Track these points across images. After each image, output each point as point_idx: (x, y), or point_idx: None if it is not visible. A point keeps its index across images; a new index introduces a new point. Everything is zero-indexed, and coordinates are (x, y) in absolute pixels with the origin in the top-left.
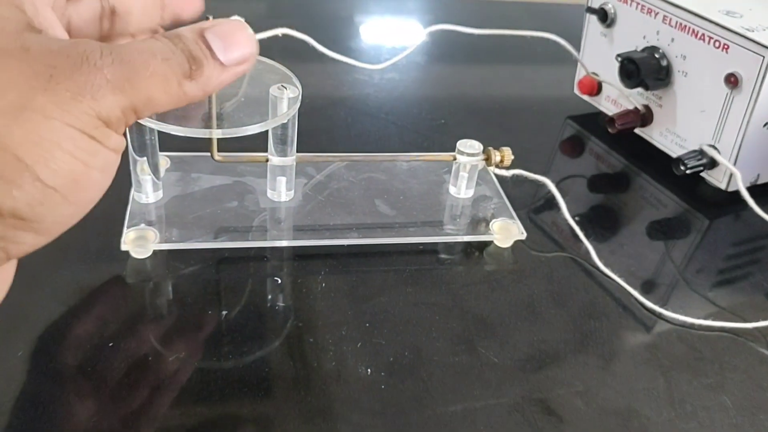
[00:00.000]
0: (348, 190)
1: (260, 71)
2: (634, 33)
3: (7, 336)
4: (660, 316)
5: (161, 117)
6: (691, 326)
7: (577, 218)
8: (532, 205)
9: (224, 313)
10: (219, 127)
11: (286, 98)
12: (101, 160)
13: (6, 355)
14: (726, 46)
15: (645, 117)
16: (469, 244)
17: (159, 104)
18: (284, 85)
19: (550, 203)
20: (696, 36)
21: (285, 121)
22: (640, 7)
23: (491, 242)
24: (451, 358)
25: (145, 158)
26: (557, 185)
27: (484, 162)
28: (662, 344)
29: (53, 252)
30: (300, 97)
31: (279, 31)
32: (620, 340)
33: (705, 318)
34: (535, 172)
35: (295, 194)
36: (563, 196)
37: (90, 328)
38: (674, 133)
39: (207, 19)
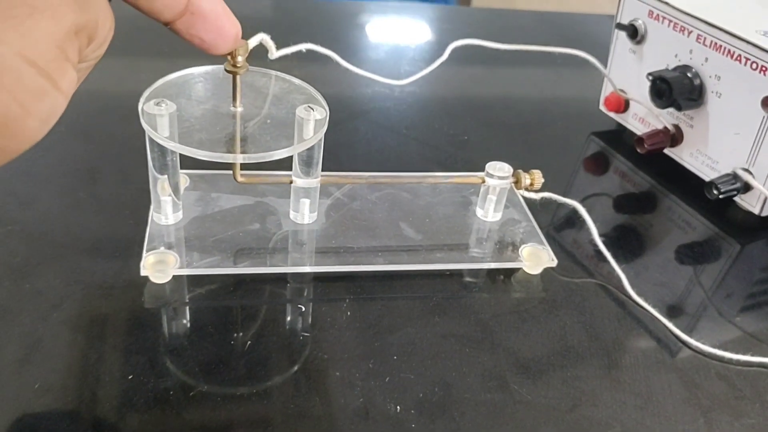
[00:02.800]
0: (371, 212)
1: (285, 91)
2: (666, 51)
3: (22, 368)
4: (697, 350)
5: (184, 140)
6: (730, 361)
7: (603, 238)
8: (559, 229)
9: (248, 343)
10: (243, 148)
11: (313, 120)
12: (47, 106)
13: (22, 389)
14: (764, 68)
15: (675, 137)
16: (496, 270)
17: (103, 28)
18: (311, 106)
19: (578, 226)
20: (732, 56)
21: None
22: (672, 24)
23: (519, 268)
24: (483, 395)
25: (165, 177)
26: (583, 203)
27: (513, 184)
28: (701, 381)
29: (69, 276)
30: (327, 118)
31: (303, 47)
32: (657, 377)
33: (744, 353)
34: (558, 191)
35: (318, 216)
36: (590, 214)
37: (108, 360)
38: (705, 154)
39: None
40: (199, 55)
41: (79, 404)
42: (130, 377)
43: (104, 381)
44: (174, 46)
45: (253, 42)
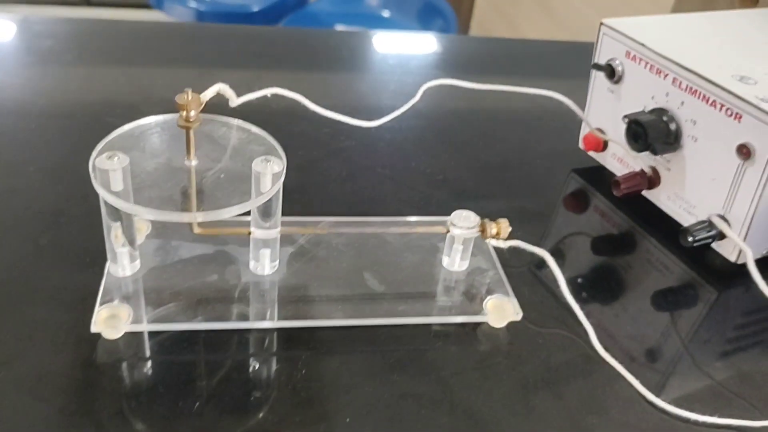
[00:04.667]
0: (336, 260)
1: (244, 141)
2: (643, 92)
3: None
4: (663, 411)
5: (136, 196)
6: (696, 423)
7: (579, 280)
8: (528, 278)
9: (197, 404)
10: (198, 202)
11: (270, 173)
12: None
13: None
14: (738, 116)
15: (652, 180)
16: (461, 323)
17: None
18: (268, 158)
19: (548, 276)
20: (707, 102)
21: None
22: (649, 66)
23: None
24: None
25: (119, 224)
26: (558, 245)
27: (479, 234)
28: None
29: (21, 331)
30: (284, 171)
31: (268, 92)
32: None
33: (711, 413)
34: (535, 232)
35: (280, 265)
36: (565, 258)
37: (52, 423)
38: (683, 198)
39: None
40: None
41: None
42: None
43: None
44: (155, 76)
45: (208, 94)
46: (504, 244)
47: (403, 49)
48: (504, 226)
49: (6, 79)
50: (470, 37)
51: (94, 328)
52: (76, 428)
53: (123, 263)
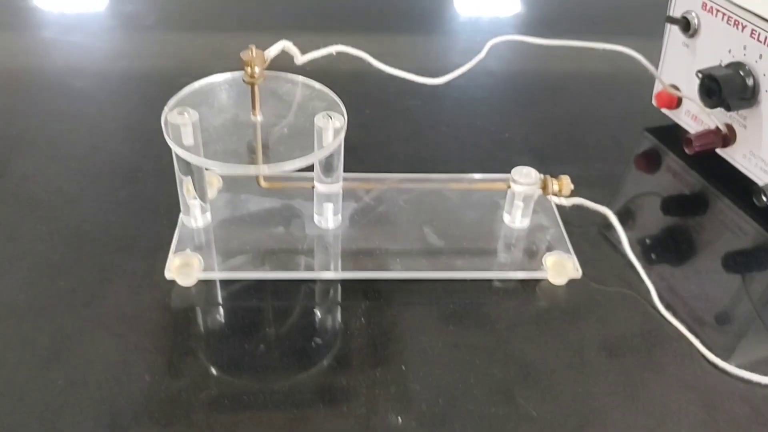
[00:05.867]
0: (397, 215)
1: (307, 98)
2: (719, 46)
3: (48, 364)
4: (723, 371)
5: (206, 151)
6: (758, 384)
7: (646, 240)
8: (591, 236)
9: (260, 347)
10: (264, 156)
11: (332, 128)
12: None
13: (45, 385)
14: None
15: (727, 137)
16: (520, 279)
17: None
18: (330, 114)
19: (612, 233)
20: None
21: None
22: (726, 18)
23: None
24: (488, 409)
25: (189, 179)
26: (626, 204)
27: (540, 191)
28: (722, 404)
29: (101, 275)
30: (345, 126)
31: (333, 50)
32: (675, 397)
33: None
34: (604, 190)
35: (342, 219)
36: (633, 218)
37: (129, 359)
38: (759, 157)
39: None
40: (254, 34)
41: (97, 401)
42: (146, 377)
43: (122, 380)
44: (228, 38)
45: (273, 51)
46: (566, 202)
47: (473, 8)
48: (566, 182)
49: (89, 41)
50: None
51: (168, 275)
52: (150, 364)
53: (195, 215)
